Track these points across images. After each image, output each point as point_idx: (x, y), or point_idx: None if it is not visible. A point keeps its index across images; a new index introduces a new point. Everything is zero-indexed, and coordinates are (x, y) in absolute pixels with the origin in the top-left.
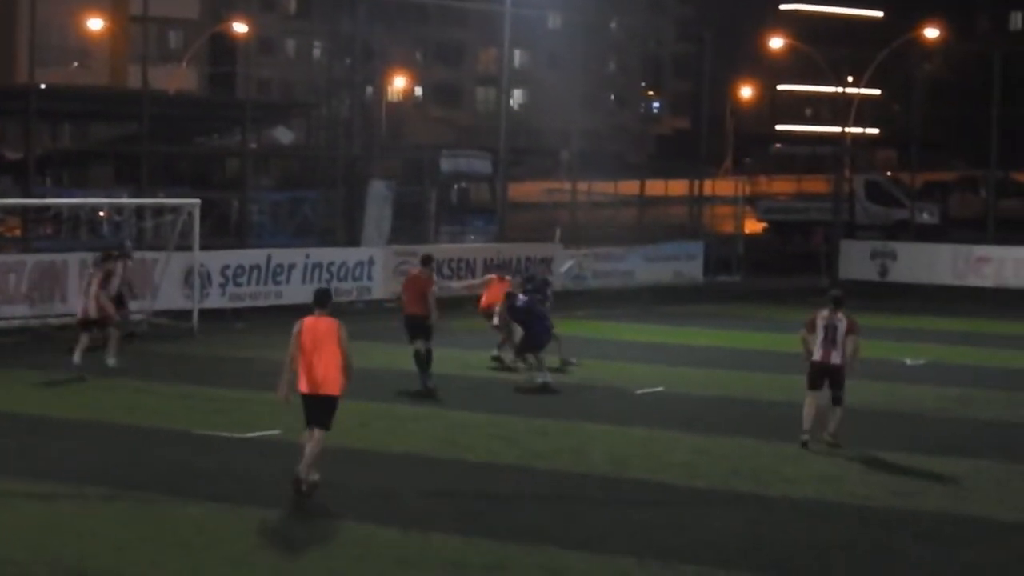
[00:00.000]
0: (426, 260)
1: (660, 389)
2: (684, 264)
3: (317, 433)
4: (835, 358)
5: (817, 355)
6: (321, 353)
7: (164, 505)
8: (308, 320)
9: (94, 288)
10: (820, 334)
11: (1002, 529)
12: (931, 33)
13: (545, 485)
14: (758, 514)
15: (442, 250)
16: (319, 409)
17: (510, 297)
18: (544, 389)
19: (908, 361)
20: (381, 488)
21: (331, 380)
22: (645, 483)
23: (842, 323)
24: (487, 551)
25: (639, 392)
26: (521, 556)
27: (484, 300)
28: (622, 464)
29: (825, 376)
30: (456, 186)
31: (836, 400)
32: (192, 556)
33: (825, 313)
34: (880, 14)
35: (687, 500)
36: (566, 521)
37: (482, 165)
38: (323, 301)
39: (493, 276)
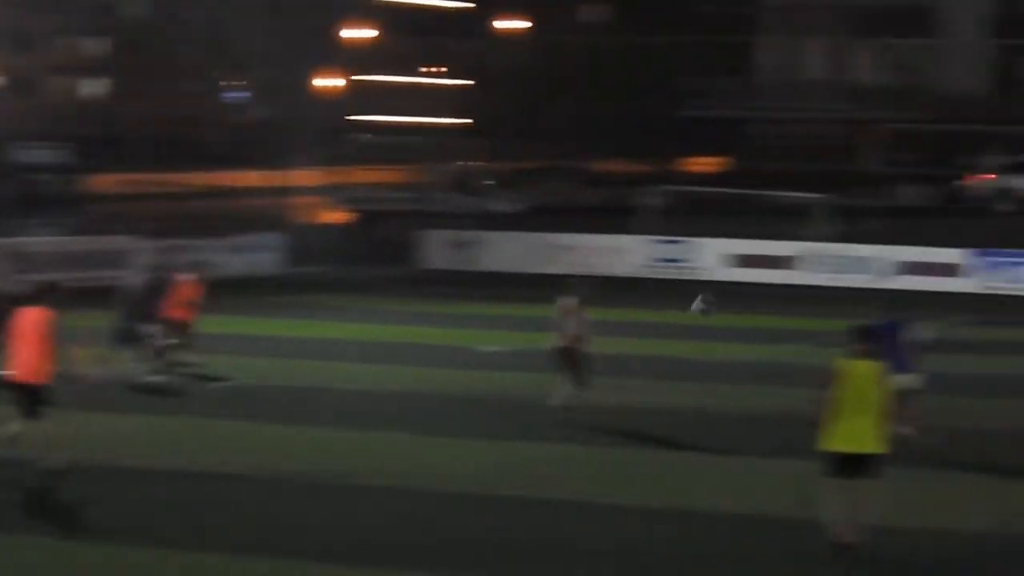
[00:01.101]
0: None
1: (236, 381)
2: (266, 255)
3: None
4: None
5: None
6: (27, 343)
7: None
8: (21, 310)
9: None
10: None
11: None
12: (513, 25)
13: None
14: (409, 507)
15: (14, 244)
16: (26, 397)
17: None
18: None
19: (490, 348)
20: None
21: (32, 369)
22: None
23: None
24: (213, 565)
25: (217, 385)
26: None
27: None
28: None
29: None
30: (29, 178)
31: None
32: None
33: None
34: (470, 5)
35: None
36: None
37: (58, 156)
38: (36, 295)
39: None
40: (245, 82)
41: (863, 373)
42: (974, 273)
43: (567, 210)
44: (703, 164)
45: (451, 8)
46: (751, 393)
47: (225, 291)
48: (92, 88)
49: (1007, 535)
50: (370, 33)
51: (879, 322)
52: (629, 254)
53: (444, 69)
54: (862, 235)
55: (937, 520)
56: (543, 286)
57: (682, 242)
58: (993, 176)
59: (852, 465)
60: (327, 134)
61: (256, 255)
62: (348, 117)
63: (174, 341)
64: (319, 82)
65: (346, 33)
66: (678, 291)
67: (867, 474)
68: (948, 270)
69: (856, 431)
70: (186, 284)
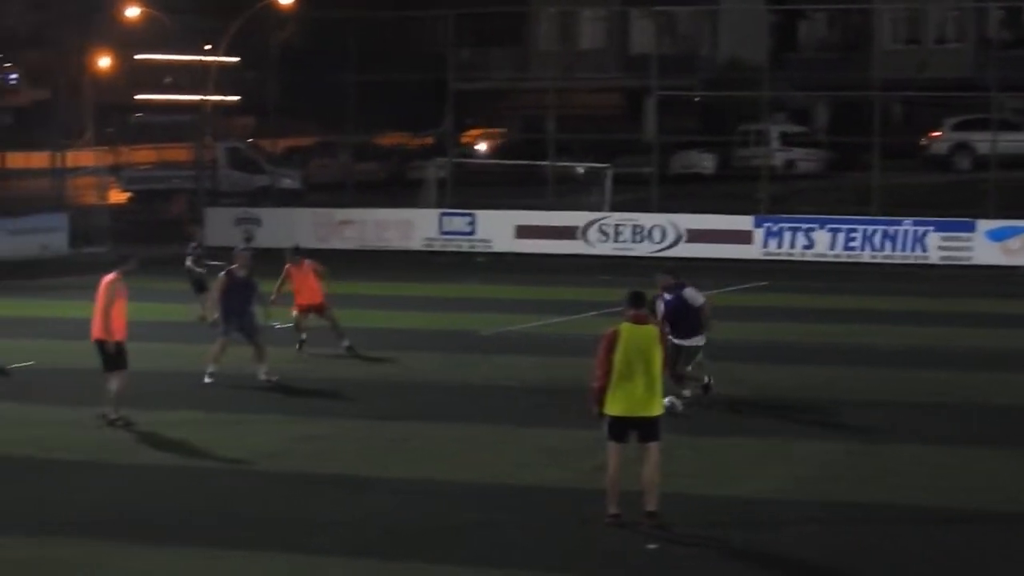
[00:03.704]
0: None
1: (31, 363)
2: (48, 236)
3: None
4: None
5: None
6: None
7: None
8: None
9: None
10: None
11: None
12: (284, 0)
13: None
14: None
15: None
16: None
17: None
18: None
19: (277, 324)
20: None
21: None
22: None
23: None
24: None
25: (11, 367)
26: None
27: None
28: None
29: None
30: None
31: None
32: None
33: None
34: None
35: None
36: None
37: None
38: None
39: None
40: (11, 64)
41: (640, 337)
42: (756, 239)
43: (346, 185)
44: (482, 136)
45: None
46: (535, 365)
47: (7, 273)
48: None
49: (790, 500)
50: (140, 11)
51: (672, 287)
52: (415, 228)
53: (215, 46)
54: (644, 203)
55: (721, 486)
56: (328, 261)
57: (467, 215)
58: (939, 134)
59: (632, 429)
60: (103, 114)
61: (38, 237)
62: (123, 96)
63: None
64: (93, 62)
65: (118, 11)
66: (466, 264)
67: (648, 438)
68: (732, 236)
69: (635, 395)
70: None
